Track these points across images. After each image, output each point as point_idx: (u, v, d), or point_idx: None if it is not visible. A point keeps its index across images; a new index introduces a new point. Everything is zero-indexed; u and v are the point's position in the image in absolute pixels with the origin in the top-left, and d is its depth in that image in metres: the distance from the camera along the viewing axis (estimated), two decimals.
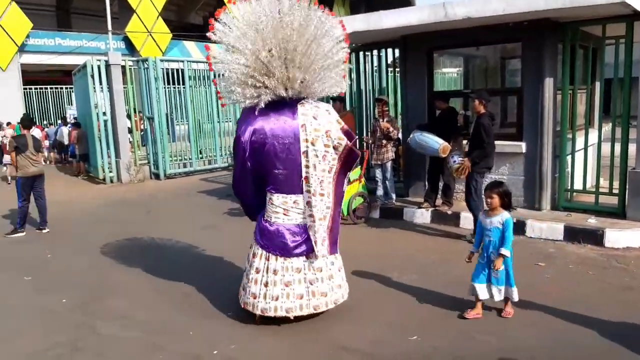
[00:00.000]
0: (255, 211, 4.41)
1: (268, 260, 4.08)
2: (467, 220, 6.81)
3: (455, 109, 7.58)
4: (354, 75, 9.46)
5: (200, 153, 13.99)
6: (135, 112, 13.51)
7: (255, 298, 4.09)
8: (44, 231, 7.83)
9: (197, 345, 3.95)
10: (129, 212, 9.19)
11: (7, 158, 14.82)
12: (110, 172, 12.49)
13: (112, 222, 8.33)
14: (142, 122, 14.26)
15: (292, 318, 4.06)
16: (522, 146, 7.03)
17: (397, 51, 8.89)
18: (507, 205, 4.12)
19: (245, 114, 4.09)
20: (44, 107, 23.37)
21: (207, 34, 3.98)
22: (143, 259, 6.25)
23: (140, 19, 24.77)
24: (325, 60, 3.99)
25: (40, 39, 22.59)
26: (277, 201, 4.06)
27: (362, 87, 9.51)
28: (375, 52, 9.37)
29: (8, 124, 18.37)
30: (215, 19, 3.93)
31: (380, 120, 7.67)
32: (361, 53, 9.34)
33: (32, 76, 23.37)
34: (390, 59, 9.94)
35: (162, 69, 12.77)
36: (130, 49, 24.39)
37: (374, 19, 7.37)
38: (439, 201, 7.52)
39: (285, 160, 3.92)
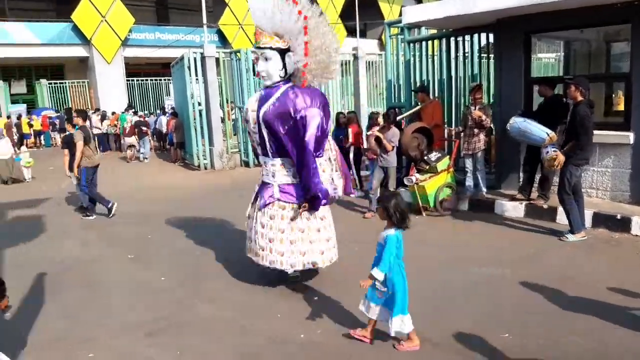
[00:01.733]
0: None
1: (272, 218, 4.72)
2: (564, 215, 6.40)
3: (562, 97, 7.10)
4: (443, 62, 9.18)
5: None
6: (227, 102, 14.06)
7: (263, 250, 4.75)
8: (90, 218, 8.12)
9: (285, 328, 4.07)
10: (221, 197, 9.62)
11: (128, 140, 16.16)
12: (205, 159, 13.14)
13: (206, 207, 8.76)
14: (233, 111, 14.81)
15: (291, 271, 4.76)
16: (630, 137, 6.46)
17: (490, 36, 8.49)
18: (395, 221, 3.57)
19: (318, 93, 4.76)
20: (144, 98, 25.03)
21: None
22: (236, 242, 6.52)
23: (233, 12, 25.67)
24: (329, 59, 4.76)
25: (141, 33, 24.14)
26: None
27: (453, 74, 9.19)
28: (466, 37, 9.02)
29: (99, 110, 19.86)
30: None
31: (472, 108, 7.39)
32: (452, 39, 9.02)
33: (134, 69, 25.10)
34: (482, 44, 9.53)
35: (253, 60, 13.13)
36: (223, 41, 25.39)
37: (468, 2, 7.09)
38: (534, 194, 7.13)
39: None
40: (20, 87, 24.97)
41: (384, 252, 3.55)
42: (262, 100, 4.71)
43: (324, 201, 4.57)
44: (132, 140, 16.09)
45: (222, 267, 5.61)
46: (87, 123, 8.40)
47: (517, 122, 6.57)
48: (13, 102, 23.27)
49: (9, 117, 20.27)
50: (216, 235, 6.89)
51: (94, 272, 5.62)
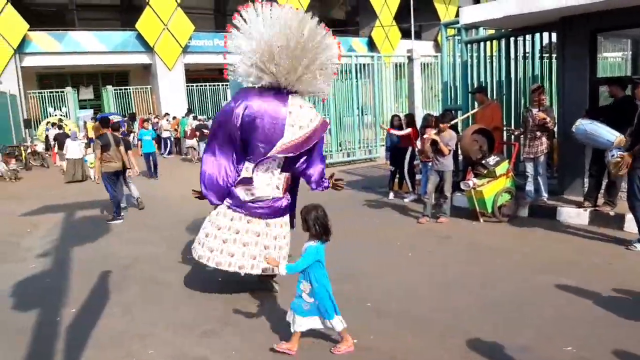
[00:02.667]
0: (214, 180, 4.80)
1: (232, 220, 4.68)
2: (633, 223, 6.02)
3: (633, 98, 6.70)
4: (502, 63, 8.89)
5: (340, 145, 14.30)
6: None
7: (211, 252, 4.69)
8: (108, 221, 8.35)
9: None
10: None
11: (189, 142, 16.84)
12: None
13: None
14: None
15: (242, 274, 4.74)
16: None
17: (553, 35, 8.15)
18: (315, 234, 3.59)
19: (243, 92, 4.74)
20: (203, 103, 25.80)
21: (229, 25, 4.73)
22: None
23: None
24: (320, 67, 4.77)
25: (200, 40, 24.90)
26: (251, 169, 4.65)
27: (512, 75, 8.88)
28: (527, 37, 8.70)
29: (169, 114, 20.53)
30: (239, 13, 4.68)
31: (535, 109, 7.11)
32: (511, 39, 8.72)
33: (193, 74, 25.93)
34: (542, 44, 9.17)
35: None
36: None
37: (530, 1, 6.84)
38: (600, 200, 6.77)
39: (270, 137, 4.55)
40: (87, 93, 26.36)
41: (301, 259, 3.62)
42: None
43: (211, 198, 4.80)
44: (193, 142, 16.81)
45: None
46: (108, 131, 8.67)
47: (584, 124, 6.24)
48: (81, 107, 24.58)
49: (96, 120, 21.35)
50: None
51: (153, 272, 5.82)
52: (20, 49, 21.31)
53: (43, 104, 23.29)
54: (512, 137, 8.19)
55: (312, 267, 3.60)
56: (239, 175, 4.72)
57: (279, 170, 4.75)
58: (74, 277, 5.75)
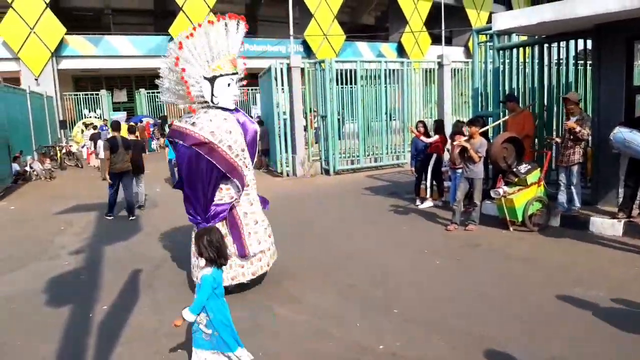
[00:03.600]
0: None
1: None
2: None
3: None
4: (532, 70, 8.75)
5: (367, 151, 14.27)
6: (310, 111, 14.32)
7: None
8: (130, 218, 8.84)
9: (363, 337, 4.04)
10: (302, 203, 9.78)
11: None
12: (287, 166, 13.45)
13: (287, 212, 8.94)
14: (316, 120, 15.04)
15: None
16: None
17: (588, 42, 7.99)
18: (209, 259, 3.36)
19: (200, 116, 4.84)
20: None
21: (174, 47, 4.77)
22: (313, 246, 6.62)
23: (318, 23, 26.16)
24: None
25: None
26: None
27: (545, 82, 8.73)
28: (561, 44, 8.54)
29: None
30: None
31: (573, 118, 6.97)
32: (545, 46, 8.58)
33: None
34: (577, 51, 8.99)
35: (337, 69, 13.31)
36: (308, 51, 25.93)
37: (566, 7, 6.73)
38: (634, 211, 6.58)
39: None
40: (121, 96, 27.01)
41: (197, 293, 3.37)
42: (242, 124, 5.03)
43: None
44: None
45: (300, 271, 5.69)
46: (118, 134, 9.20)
47: (623, 132, 6.08)
48: (115, 109, 25.19)
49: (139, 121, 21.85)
50: (295, 239, 7.01)
51: (181, 271, 5.91)
52: (58, 52, 21.98)
53: (78, 106, 23.97)
54: (545, 145, 8.04)
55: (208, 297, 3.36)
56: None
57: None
58: (106, 275, 5.89)
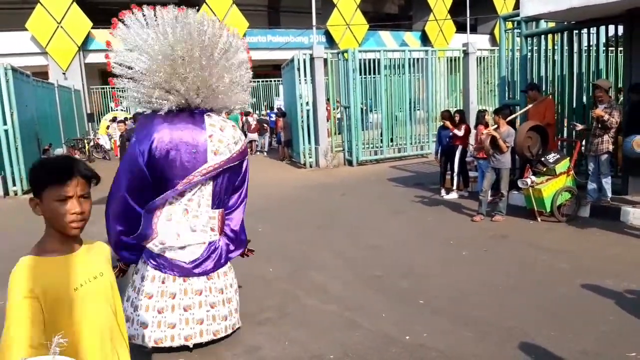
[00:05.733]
0: (123, 234, 3.68)
1: (164, 282, 3.64)
2: None
3: None
4: (561, 57, 8.55)
5: (391, 141, 14.19)
6: (333, 101, 14.29)
7: (145, 328, 3.60)
8: None
9: (390, 327, 4.05)
10: (325, 194, 9.80)
11: (251, 136, 17.51)
12: (310, 157, 13.47)
13: (311, 203, 8.98)
14: (338, 110, 15.00)
15: (190, 346, 3.70)
16: None
17: (619, 28, 7.76)
18: None
19: (145, 121, 3.72)
20: (256, 99, 26.21)
21: (110, 32, 3.70)
22: (338, 237, 6.63)
23: (340, 13, 26.00)
24: (233, 75, 3.84)
25: (254, 36, 25.27)
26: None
27: (575, 69, 8.52)
28: (591, 30, 8.32)
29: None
30: (120, 20, 3.66)
31: (601, 106, 6.81)
32: (575, 32, 8.37)
33: None
34: (607, 37, 8.75)
35: (360, 59, 13.23)
36: (330, 42, 25.81)
37: None
38: None
39: (189, 170, 3.56)
40: None
41: None
42: None
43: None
44: (254, 136, 17.63)
45: (327, 261, 5.72)
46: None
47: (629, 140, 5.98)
48: None
49: None
50: (321, 230, 7.03)
51: None
52: (84, 46, 22.36)
53: (105, 99, 24.37)
54: (574, 133, 7.88)
55: None
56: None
57: (209, 206, 3.74)
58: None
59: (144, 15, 3.62)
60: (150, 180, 3.56)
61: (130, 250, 3.74)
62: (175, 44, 3.53)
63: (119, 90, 3.77)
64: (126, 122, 13.38)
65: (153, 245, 3.65)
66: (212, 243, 3.77)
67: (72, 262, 1.72)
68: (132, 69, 3.60)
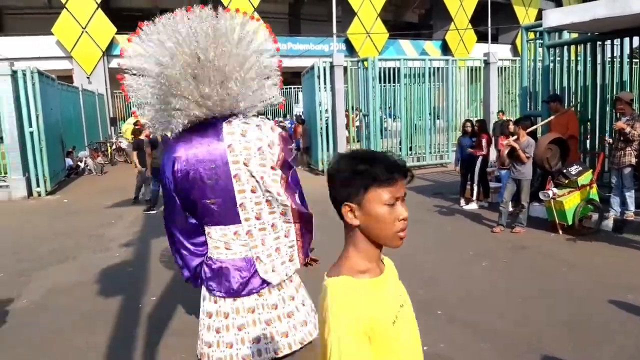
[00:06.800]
0: (191, 262, 3.55)
1: (216, 302, 3.48)
2: None
3: None
4: (584, 68, 8.46)
5: (410, 150, 14.15)
6: (353, 109, 14.31)
7: (210, 347, 3.47)
8: (152, 212, 9.27)
9: None
10: None
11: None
12: (329, 164, 13.46)
13: (330, 211, 8.93)
14: (357, 118, 15.01)
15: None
16: None
17: None
18: None
19: (168, 144, 3.51)
20: (275, 106, 26.39)
21: (118, 62, 3.50)
22: None
23: (361, 21, 26.08)
24: (248, 72, 3.39)
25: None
26: (216, 235, 3.42)
27: (598, 81, 8.42)
28: (615, 41, 8.22)
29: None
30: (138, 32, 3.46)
31: (623, 119, 6.72)
32: (598, 43, 8.28)
33: None
34: (632, 48, 8.62)
35: (380, 68, 13.25)
36: (350, 50, 25.90)
37: (621, 3, 6.46)
38: None
39: (215, 188, 3.28)
40: None
41: None
42: None
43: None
44: None
45: None
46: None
47: None
48: None
49: None
50: (338, 238, 7.01)
51: None
52: (108, 51, 22.78)
53: (127, 104, 24.76)
54: (597, 146, 7.77)
55: None
56: (203, 247, 3.53)
57: (281, 221, 3.45)
58: (154, 267, 6.08)
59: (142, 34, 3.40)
60: (179, 205, 3.37)
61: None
62: (198, 46, 3.19)
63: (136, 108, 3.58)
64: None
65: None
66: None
67: (386, 287, 1.38)
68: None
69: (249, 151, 3.28)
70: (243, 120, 3.42)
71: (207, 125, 3.33)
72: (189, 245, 3.49)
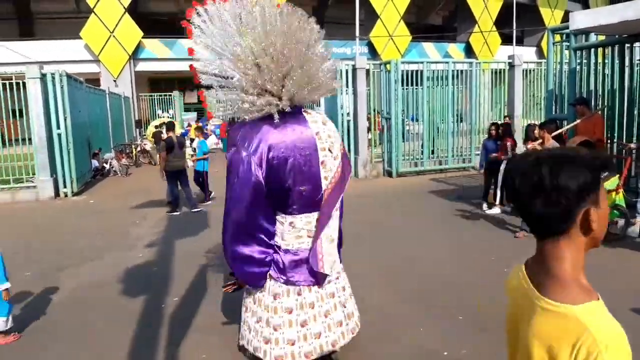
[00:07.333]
0: (264, 256, 3.37)
1: (300, 294, 3.38)
2: None
3: None
4: (611, 71, 8.29)
5: (432, 153, 14.05)
6: (375, 112, 14.27)
7: (293, 345, 3.33)
8: (193, 210, 9.47)
9: (427, 341, 4.01)
10: (366, 205, 9.78)
11: None
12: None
13: (351, 214, 8.91)
14: (379, 121, 14.98)
15: (338, 350, 3.48)
16: None
17: None
18: None
19: (248, 130, 3.28)
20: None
21: (188, 39, 3.50)
22: (377, 248, 6.62)
23: (384, 24, 26.02)
24: (320, 64, 3.45)
25: None
26: (300, 223, 3.33)
27: (626, 84, 8.25)
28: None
29: None
30: (188, 20, 3.52)
31: None
32: (627, 45, 8.11)
33: None
34: None
35: (402, 71, 13.20)
36: (373, 53, 25.85)
37: None
38: None
39: (308, 174, 3.27)
40: (192, 97, 28.08)
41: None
42: None
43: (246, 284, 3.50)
44: None
45: (364, 271, 5.70)
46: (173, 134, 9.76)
47: None
48: (186, 110, 26.25)
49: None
50: (360, 240, 7.02)
51: None
52: (135, 55, 23.21)
53: (152, 106, 25.18)
54: (624, 151, 7.61)
55: None
56: (274, 240, 3.39)
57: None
58: (177, 267, 6.17)
59: (208, 15, 3.39)
60: (264, 191, 3.22)
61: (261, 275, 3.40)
62: (264, 38, 3.15)
63: (212, 103, 3.50)
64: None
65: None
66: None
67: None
68: (225, 77, 3.30)
69: (331, 139, 3.38)
70: (316, 111, 3.56)
71: (290, 114, 3.28)
72: (265, 238, 3.34)
